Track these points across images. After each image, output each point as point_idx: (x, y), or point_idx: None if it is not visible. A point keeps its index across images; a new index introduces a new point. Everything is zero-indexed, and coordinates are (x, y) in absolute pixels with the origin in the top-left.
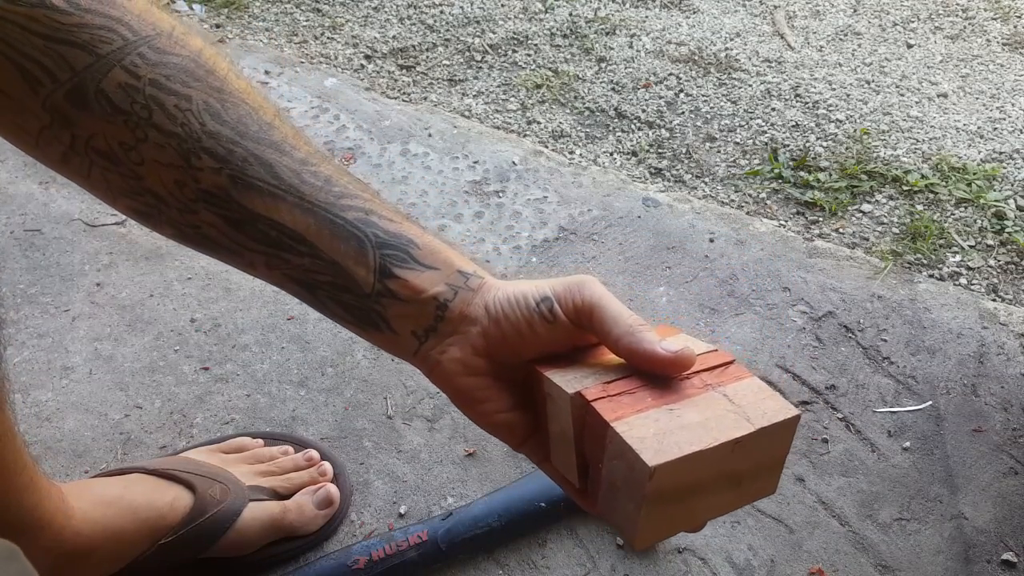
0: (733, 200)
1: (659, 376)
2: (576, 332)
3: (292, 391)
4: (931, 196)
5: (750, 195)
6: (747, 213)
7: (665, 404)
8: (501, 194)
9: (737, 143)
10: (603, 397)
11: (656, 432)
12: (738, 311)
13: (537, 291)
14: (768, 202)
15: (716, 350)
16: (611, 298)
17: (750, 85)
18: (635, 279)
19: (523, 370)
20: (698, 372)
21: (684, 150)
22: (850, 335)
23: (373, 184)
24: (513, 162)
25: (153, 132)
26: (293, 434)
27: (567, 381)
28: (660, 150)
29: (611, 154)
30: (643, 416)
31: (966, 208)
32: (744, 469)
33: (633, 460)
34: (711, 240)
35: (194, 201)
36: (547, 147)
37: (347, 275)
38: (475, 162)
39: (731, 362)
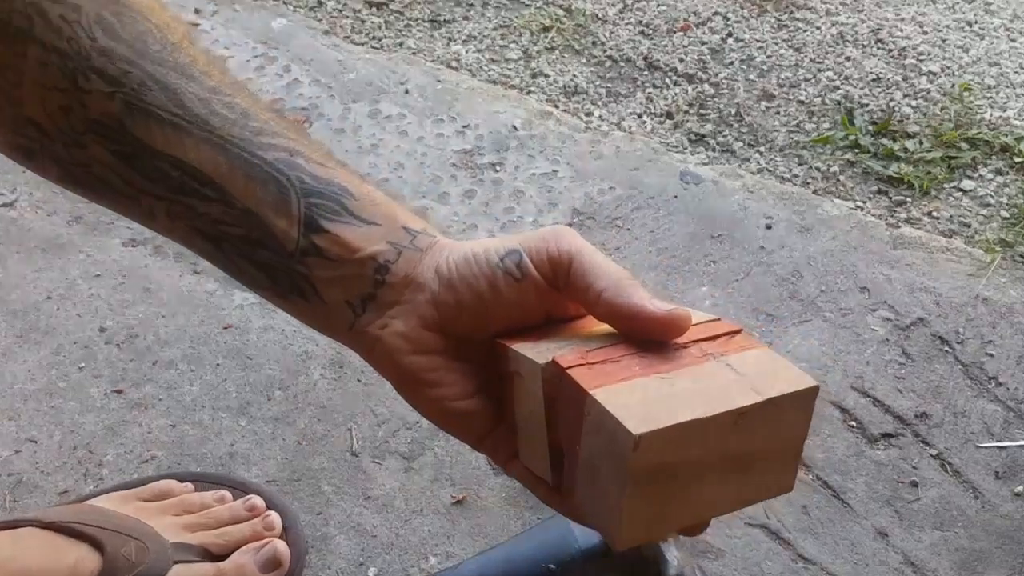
0: (796, 175)
1: (650, 344)
2: (550, 295)
3: (230, 420)
4: None
5: (818, 168)
6: (814, 192)
7: (656, 373)
8: (498, 167)
9: (801, 102)
10: (581, 364)
11: (643, 400)
12: (802, 317)
13: (502, 245)
14: (841, 177)
15: (719, 319)
16: (593, 250)
17: (818, 28)
18: (670, 276)
19: (485, 348)
20: (697, 341)
21: (733, 111)
22: (946, 349)
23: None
24: (514, 127)
25: (34, 48)
26: (231, 476)
27: (539, 352)
28: (702, 111)
29: (639, 116)
30: (628, 384)
31: None
32: (752, 452)
33: (614, 430)
34: (768, 226)
35: (82, 133)
36: (557, 107)
37: (264, 228)
38: (465, 127)
39: (738, 331)
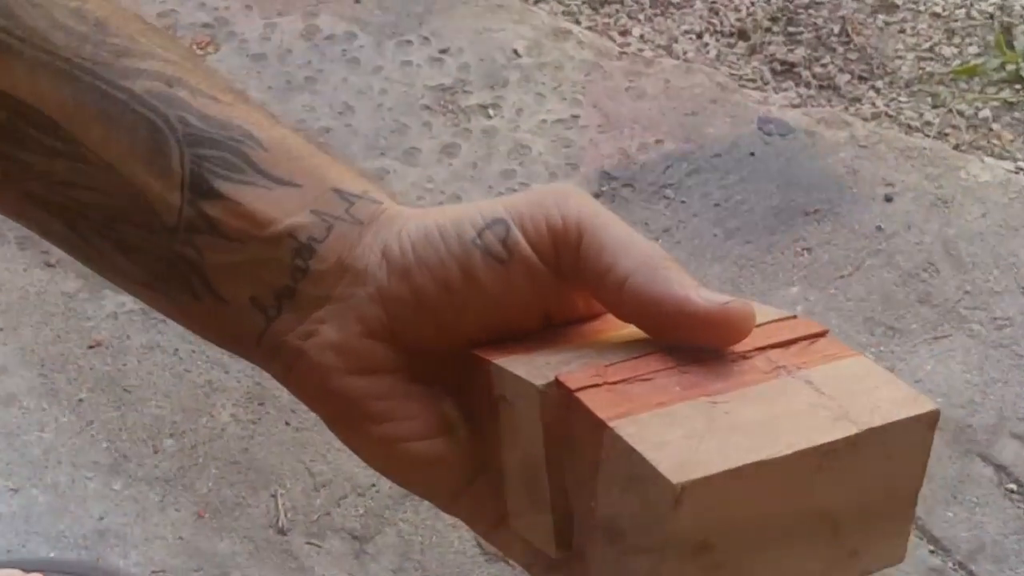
0: (928, 123)
1: (696, 355)
2: (551, 285)
3: (99, 481)
4: None
5: (960, 113)
6: (955, 147)
7: (704, 395)
8: (492, 111)
9: (937, 15)
10: (597, 385)
11: (687, 435)
12: (938, 331)
13: (480, 213)
14: (995, 126)
15: (794, 317)
16: (612, 218)
17: None
18: (744, 271)
19: (456, 364)
20: (764, 348)
21: (836, 28)
22: None
23: (253, 94)
24: (514, 52)
25: None
26: (100, 565)
27: (535, 369)
28: (792, 29)
29: (698, 36)
30: (666, 412)
31: None
32: (843, 508)
33: (646, 479)
34: (887, 198)
35: None
36: (578, 22)
37: (132, 193)
38: (442, 51)
39: (822, 334)
